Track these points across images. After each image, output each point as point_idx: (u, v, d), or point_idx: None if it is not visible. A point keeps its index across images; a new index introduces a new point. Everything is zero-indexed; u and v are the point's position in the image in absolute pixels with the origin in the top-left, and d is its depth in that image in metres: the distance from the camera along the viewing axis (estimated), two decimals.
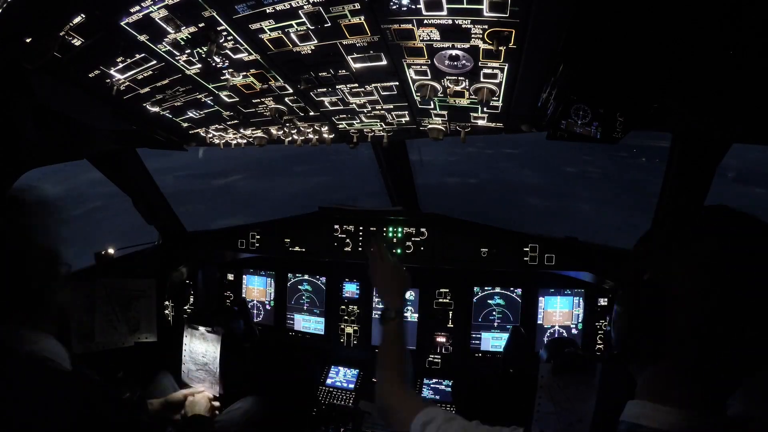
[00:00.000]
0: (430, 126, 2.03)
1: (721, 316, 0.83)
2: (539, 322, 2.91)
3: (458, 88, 1.61)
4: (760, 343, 0.83)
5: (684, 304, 0.85)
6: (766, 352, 0.84)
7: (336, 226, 3.07)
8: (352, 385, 3.01)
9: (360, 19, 1.27)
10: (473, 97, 1.65)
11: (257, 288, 3.43)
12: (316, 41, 1.41)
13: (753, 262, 0.83)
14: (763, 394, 0.97)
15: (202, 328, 2.68)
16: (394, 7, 1.20)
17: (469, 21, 1.21)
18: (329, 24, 1.30)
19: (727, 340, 0.83)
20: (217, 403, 2.57)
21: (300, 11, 1.26)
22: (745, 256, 0.84)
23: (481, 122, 1.92)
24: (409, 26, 1.28)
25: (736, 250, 0.84)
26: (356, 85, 1.70)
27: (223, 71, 1.64)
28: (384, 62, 1.51)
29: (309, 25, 1.32)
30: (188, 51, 1.49)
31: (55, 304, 1.36)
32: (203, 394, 2.55)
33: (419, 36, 1.32)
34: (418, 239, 2.94)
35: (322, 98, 1.85)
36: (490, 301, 2.98)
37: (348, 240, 3.05)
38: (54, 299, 1.35)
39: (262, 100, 1.90)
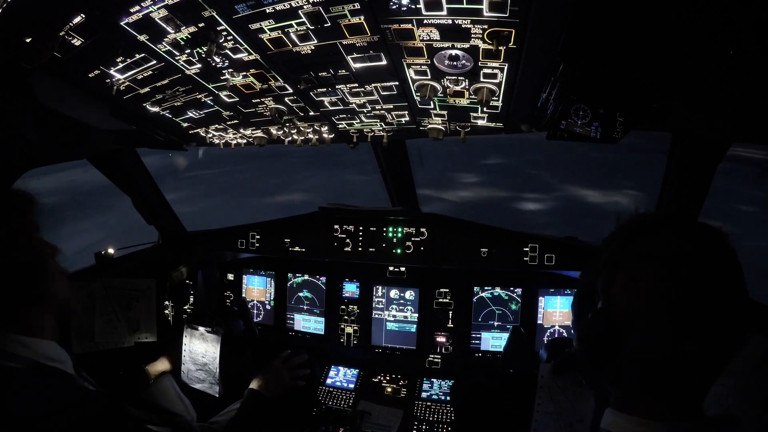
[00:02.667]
0: (430, 126, 2.03)
1: (668, 338, 0.85)
2: (539, 322, 2.91)
3: (458, 88, 1.61)
4: (708, 356, 0.86)
5: (630, 330, 0.88)
6: (719, 363, 0.88)
7: (336, 226, 3.07)
8: (352, 385, 3.00)
9: (360, 19, 1.27)
10: (473, 97, 1.65)
11: (257, 288, 3.43)
12: (316, 41, 1.41)
13: (698, 283, 0.85)
14: (745, 394, 1.00)
15: (202, 328, 2.68)
16: (394, 7, 1.20)
17: (468, 21, 1.21)
18: (329, 24, 1.30)
19: (672, 360, 0.85)
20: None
21: (300, 11, 1.26)
22: (693, 277, 0.85)
23: (481, 122, 1.92)
24: (409, 26, 1.28)
25: (681, 273, 0.86)
26: (356, 85, 1.70)
27: (223, 71, 1.64)
28: (384, 62, 1.51)
29: (309, 25, 1.32)
30: (188, 51, 1.49)
31: (55, 306, 1.33)
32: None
33: (419, 36, 1.32)
34: (418, 239, 2.94)
35: (322, 98, 1.85)
36: (489, 301, 2.98)
37: (348, 240, 3.05)
38: (54, 301, 1.32)
39: (262, 100, 1.90)
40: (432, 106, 1.84)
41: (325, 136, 2.26)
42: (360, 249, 3.02)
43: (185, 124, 2.23)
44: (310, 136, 2.26)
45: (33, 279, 1.26)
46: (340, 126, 2.16)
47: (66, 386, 1.17)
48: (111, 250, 2.87)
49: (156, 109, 1.95)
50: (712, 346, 0.85)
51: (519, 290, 2.94)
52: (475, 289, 2.99)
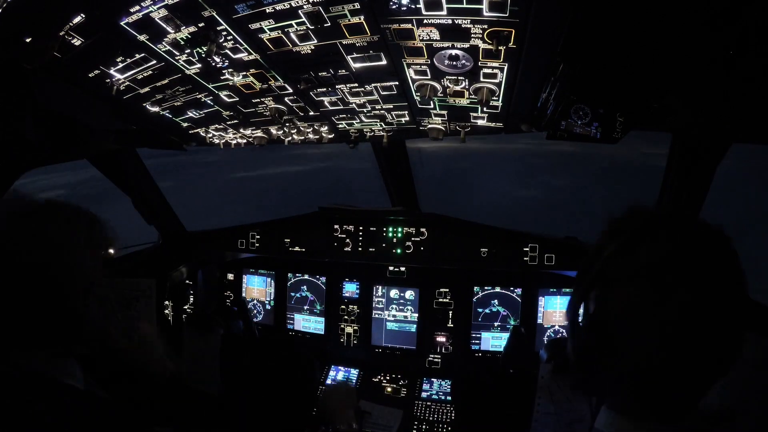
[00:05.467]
0: (429, 126, 2.03)
1: (657, 350, 0.85)
2: (539, 322, 2.91)
3: (458, 88, 1.61)
4: (698, 367, 0.86)
5: (623, 340, 0.88)
6: (712, 373, 0.87)
7: (336, 226, 3.07)
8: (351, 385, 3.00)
9: (360, 19, 1.27)
10: (473, 96, 1.65)
11: (257, 288, 3.43)
12: (315, 41, 1.41)
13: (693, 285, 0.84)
14: (745, 395, 1.00)
15: (201, 328, 2.68)
16: (394, 6, 1.20)
17: (468, 21, 1.21)
18: (329, 24, 1.30)
19: (663, 370, 0.85)
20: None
21: (300, 11, 1.26)
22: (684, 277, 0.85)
23: (480, 122, 1.92)
24: (409, 26, 1.28)
25: (673, 290, 0.85)
26: (356, 84, 1.70)
27: (223, 71, 1.64)
28: (384, 62, 1.51)
29: (309, 25, 1.32)
30: (188, 51, 1.49)
31: (90, 329, 1.26)
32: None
33: (419, 36, 1.32)
34: (418, 239, 2.94)
35: (321, 98, 1.85)
36: (489, 308, 2.98)
37: (348, 240, 3.05)
38: (90, 323, 1.25)
39: (262, 100, 1.90)
40: (432, 106, 1.84)
41: (325, 135, 2.26)
42: (360, 249, 3.02)
43: (185, 124, 2.23)
44: (310, 136, 2.26)
45: (74, 328, 1.21)
46: (340, 126, 2.16)
47: (77, 401, 1.16)
48: (111, 250, 2.86)
49: (156, 109, 1.95)
50: (701, 359, 0.85)
51: (519, 290, 2.94)
52: (475, 289, 2.99)
